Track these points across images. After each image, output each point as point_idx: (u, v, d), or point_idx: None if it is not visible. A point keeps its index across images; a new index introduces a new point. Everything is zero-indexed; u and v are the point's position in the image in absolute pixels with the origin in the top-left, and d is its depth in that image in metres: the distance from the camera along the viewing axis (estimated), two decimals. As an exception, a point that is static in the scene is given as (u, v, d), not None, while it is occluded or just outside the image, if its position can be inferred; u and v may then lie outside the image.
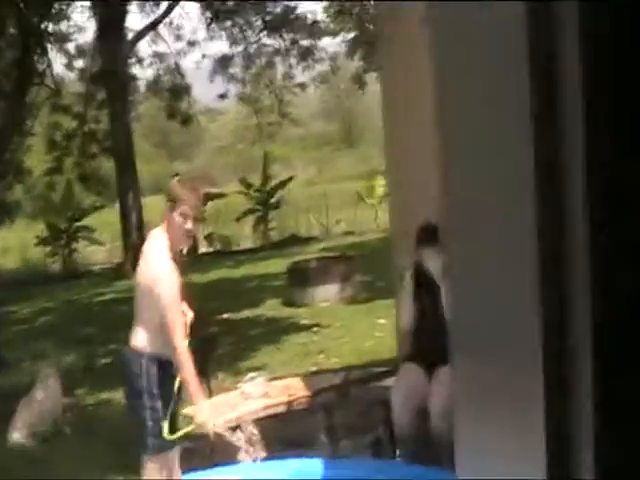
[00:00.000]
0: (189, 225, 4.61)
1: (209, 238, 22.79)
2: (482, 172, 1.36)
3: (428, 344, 5.88)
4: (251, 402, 6.24)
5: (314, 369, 9.69)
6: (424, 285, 5.84)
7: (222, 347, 10.81)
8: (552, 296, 1.15)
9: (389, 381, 6.31)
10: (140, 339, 4.72)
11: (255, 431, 6.70)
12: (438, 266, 5.75)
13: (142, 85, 24.43)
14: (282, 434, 7.29)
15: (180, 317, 4.59)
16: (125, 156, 20.86)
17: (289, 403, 6.20)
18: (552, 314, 1.15)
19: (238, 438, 6.10)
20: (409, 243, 6.89)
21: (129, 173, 20.97)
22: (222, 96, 24.15)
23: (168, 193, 4.72)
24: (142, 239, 21.68)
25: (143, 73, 26.04)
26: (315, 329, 12.34)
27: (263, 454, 6.72)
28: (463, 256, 1.48)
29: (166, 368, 4.66)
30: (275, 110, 25.16)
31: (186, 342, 4.57)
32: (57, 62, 22.30)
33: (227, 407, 6.20)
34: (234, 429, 6.08)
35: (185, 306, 4.86)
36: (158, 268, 4.57)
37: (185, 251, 4.94)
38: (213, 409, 6.15)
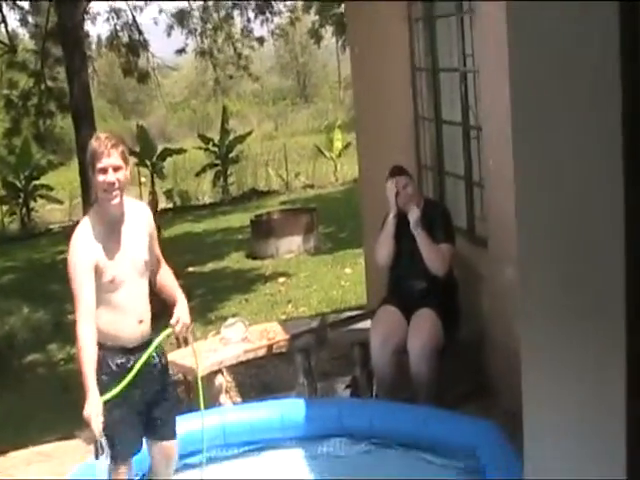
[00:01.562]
0: (110, 177, 4.07)
1: (169, 194, 22.72)
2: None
3: (405, 287, 6.04)
4: (231, 347, 6.35)
5: (284, 318, 9.85)
6: (401, 228, 5.97)
7: (192, 299, 10.91)
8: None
9: (365, 324, 6.46)
10: None
11: (230, 378, 6.87)
12: (416, 218, 5.86)
13: (98, 42, 24.18)
14: (261, 379, 7.46)
15: (81, 296, 4.01)
16: (84, 113, 20.64)
17: (269, 347, 6.31)
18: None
19: (219, 382, 6.23)
20: (378, 191, 7.04)
21: (88, 130, 20.73)
22: (180, 51, 23.97)
23: (89, 154, 4.17)
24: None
25: (99, 29, 25.74)
26: (281, 280, 12.48)
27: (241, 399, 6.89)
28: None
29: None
30: (234, 64, 25.04)
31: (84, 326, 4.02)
32: (11, 18, 21.99)
33: (208, 352, 6.29)
34: (215, 373, 6.20)
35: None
36: (70, 247, 4.20)
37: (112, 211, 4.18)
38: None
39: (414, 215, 5.86)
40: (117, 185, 4.10)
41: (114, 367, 4.20)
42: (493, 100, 5.60)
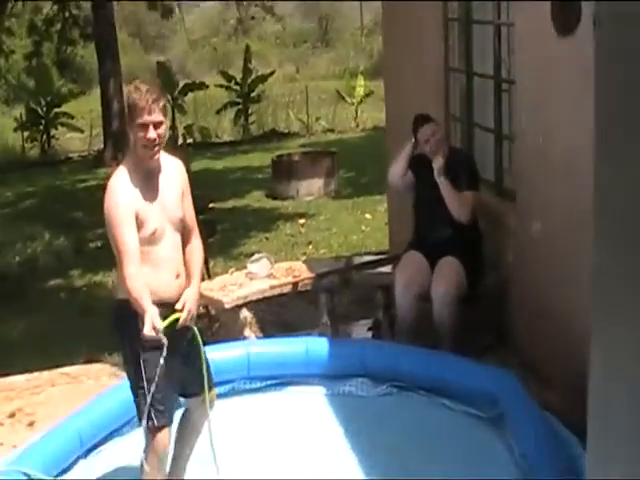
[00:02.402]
0: (151, 134, 3.97)
1: (188, 129, 22.68)
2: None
3: (430, 235, 6.11)
4: (257, 282, 6.43)
5: (304, 259, 9.94)
6: (426, 175, 6.02)
7: (213, 235, 11.01)
8: None
9: (388, 268, 6.54)
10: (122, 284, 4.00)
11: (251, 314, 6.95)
12: (439, 166, 5.92)
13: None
14: (283, 317, 7.56)
15: (127, 245, 3.91)
16: (107, 44, 20.59)
17: (294, 285, 6.39)
18: None
19: (244, 316, 6.33)
20: (403, 138, 7.08)
21: (111, 60, 20.73)
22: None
23: (127, 104, 4.03)
24: (123, 127, 21.59)
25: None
26: (301, 221, 12.55)
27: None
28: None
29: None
30: (257, 4, 24.87)
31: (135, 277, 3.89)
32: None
33: (234, 286, 6.39)
34: (240, 307, 6.30)
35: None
36: (108, 193, 3.99)
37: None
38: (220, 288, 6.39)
39: (438, 164, 5.93)
40: (157, 141, 4.00)
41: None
42: (527, 54, 5.61)
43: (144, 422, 3.98)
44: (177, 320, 3.99)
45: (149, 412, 3.93)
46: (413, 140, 6.10)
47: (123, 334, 4.06)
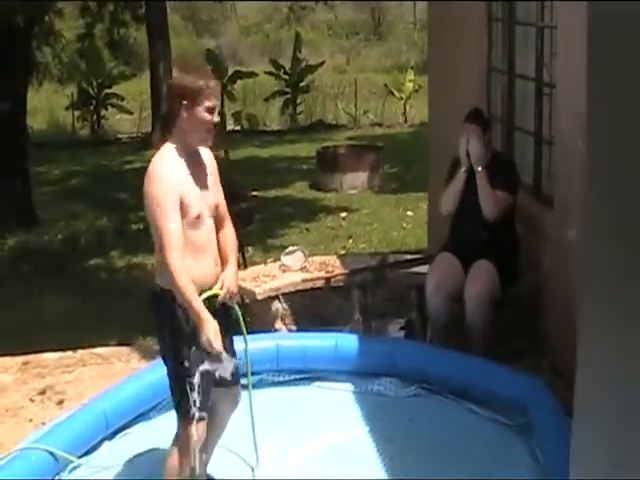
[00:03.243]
0: (215, 118, 3.97)
1: (237, 116, 22.76)
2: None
3: (465, 236, 6.07)
4: (290, 275, 6.44)
5: (343, 252, 9.94)
6: (470, 180, 5.97)
7: (252, 224, 11.06)
8: None
9: (424, 269, 6.51)
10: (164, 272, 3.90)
11: (285, 306, 6.97)
12: (479, 154, 5.86)
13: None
14: (316, 310, 7.56)
15: (172, 232, 3.82)
16: (159, 27, 20.71)
17: (327, 279, 6.39)
18: None
19: (276, 308, 6.35)
20: (447, 136, 7.03)
21: (162, 43, 20.85)
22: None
23: (179, 87, 3.98)
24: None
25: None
26: (343, 214, 12.55)
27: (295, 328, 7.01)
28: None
29: None
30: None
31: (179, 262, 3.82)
32: None
33: (266, 278, 6.41)
34: (272, 299, 6.32)
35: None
36: (153, 176, 3.90)
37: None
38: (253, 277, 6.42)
39: (476, 152, 5.86)
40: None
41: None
42: (569, 58, 5.54)
43: (182, 414, 3.94)
44: (216, 297, 3.97)
45: (189, 405, 3.86)
46: (465, 168, 5.99)
47: (163, 323, 3.98)
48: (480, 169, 5.84)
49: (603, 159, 1.47)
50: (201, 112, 3.92)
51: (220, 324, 3.86)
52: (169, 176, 3.87)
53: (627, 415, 1.40)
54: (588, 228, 1.52)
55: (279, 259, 6.87)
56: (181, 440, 3.98)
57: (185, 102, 3.90)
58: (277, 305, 6.35)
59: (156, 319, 4.04)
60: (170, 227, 3.80)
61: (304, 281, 6.38)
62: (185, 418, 3.92)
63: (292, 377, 5.63)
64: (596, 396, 1.50)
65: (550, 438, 4.56)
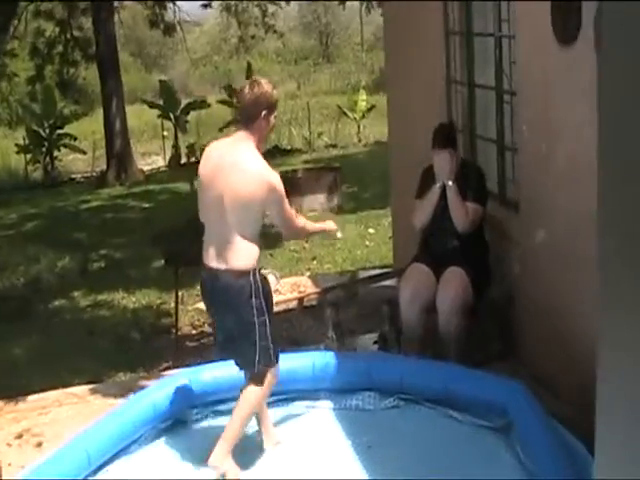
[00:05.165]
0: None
1: (191, 148, 22.73)
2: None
3: (436, 245, 6.10)
4: (263, 298, 6.40)
5: (309, 274, 9.94)
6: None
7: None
8: None
9: (393, 282, 6.53)
10: (243, 256, 4.66)
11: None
12: (449, 169, 5.94)
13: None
14: (288, 332, 7.54)
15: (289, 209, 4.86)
16: (110, 64, 20.68)
17: (300, 300, 6.39)
18: None
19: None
20: (407, 152, 7.07)
21: (113, 80, 20.82)
22: (206, 5, 23.88)
23: (266, 99, 4.69)
24: (126, 147, 21.52)
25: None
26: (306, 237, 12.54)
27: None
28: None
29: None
30: (259, 22, 24.96)
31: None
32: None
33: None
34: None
35: None
36: (263, 169, 4.62)
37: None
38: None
39: (447, 168, 5.94)
40: None
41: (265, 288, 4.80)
42: (528, 65, 5.62)
43: (264, 362, 4.76)
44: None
45: (272, 354, 4.77)
46: (439, 184, 6.05)
47: (244, 296, 4.65)
48: (451, 183, 5.90)
49: (615, 160, 1.47)
50: (273, 119, 4.76)
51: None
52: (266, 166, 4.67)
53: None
54: (603, 232, 1.52)
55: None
56: (260, 385, 4.79)
57: (265, 111, 4.66)
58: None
59: (234, 296, 4.68)
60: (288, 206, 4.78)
61: (277, 303, 6.36)
62: (268, 364, 4.77)
63: (272, 399, 5.59)
64: (619, 404, 1.49)
65: (533, 439, 4.58)
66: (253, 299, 4.68)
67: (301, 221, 5.03)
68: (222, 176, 4.60)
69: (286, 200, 4.73)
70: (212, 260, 4.72)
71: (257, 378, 4.81)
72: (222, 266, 4.67)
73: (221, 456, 4.64)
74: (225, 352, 5.01)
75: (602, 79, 1.54)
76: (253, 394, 4.81)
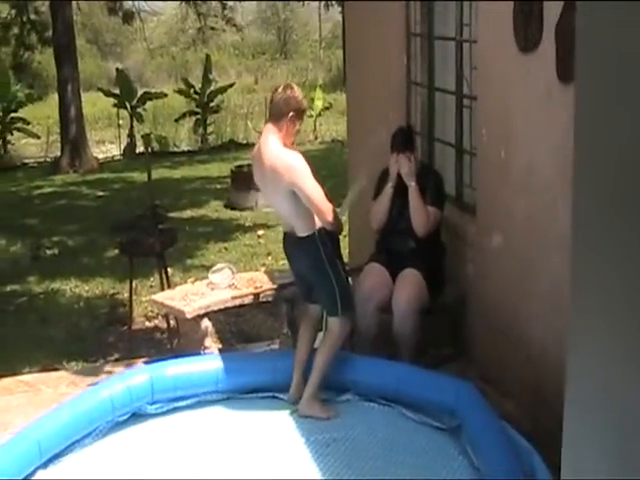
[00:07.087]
0: None
1: (146, 138, 22.54)
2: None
3: (393, 246, 6.16)
4: (219, 292, 6.41)
5: (263, 270, 9.94)
6: (395, 187, 6.08)
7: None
8: None
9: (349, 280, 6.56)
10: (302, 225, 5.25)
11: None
12: (409, 171, 6.00)
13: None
14: (240, 327, 7.56)
15: (319, 190, 5.17)
16: (66, 49, 20.44)
17: (255, 295, 6.39)
18: None
19: (205, 326, 6.31)
20: (365, 151, 7.09)
21: (69, 65, 20.57)
22: (165, -5, 23.78)
23: (296, 102, 5.20)
24: (81, 134, 21.24)
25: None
26: (260, 232, 12.55)
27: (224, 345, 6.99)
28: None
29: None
30: (218, 15, 24.88)
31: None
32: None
33: (195, 296, 6.36)
34: (201, 317, 6.28)
35: None
36: (286, 153, 5.14)
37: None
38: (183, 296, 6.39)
39: (407, 169, 6.00)
40: None
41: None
42: (489, 70, 5.70)
43: (344, 313, 5.38)
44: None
45: (350, 305, 5.44)
46: (392, 184, 6.12)
47: (314, 257, 5.26)
48: (413, 184, 5.96)
49: (590, 164, 1.53)
50: (298, 124, 5.26)
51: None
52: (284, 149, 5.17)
53: (622, 417, 1.46)
54: (577, 230, 1.58)
55: (201, 278, 6.83)
56: (340, 332, 5.41)
57: (293, 113, 5.14)
58: (206, 323, 6.31)
59: (305, 257, 5.35)
60: (318, 187, 5.11)
61: (233, 298, 6.36)
62: (348, 311, 5.41)
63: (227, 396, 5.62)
64: (589, 403, 1.55)
65: (482, 439, 4.66)
66: (322, 258, 5.24)
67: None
68: (257, 163, 5.27)
69: (311, 178, 5.09)
70: (284, 225, 5.55)
71: (339, 327, 5.39)
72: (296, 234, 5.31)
73: (309, 402, 5.25)
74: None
75: (578, 97, 1.59)
76: (334, 338, 5.39)
